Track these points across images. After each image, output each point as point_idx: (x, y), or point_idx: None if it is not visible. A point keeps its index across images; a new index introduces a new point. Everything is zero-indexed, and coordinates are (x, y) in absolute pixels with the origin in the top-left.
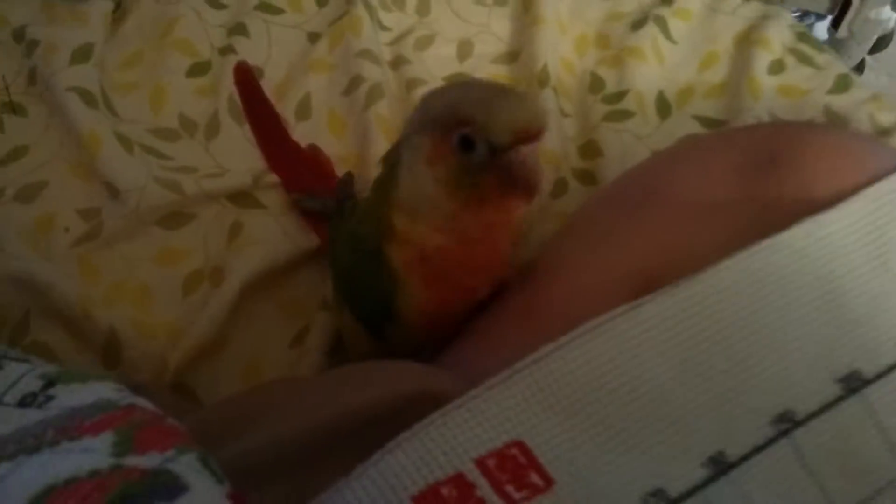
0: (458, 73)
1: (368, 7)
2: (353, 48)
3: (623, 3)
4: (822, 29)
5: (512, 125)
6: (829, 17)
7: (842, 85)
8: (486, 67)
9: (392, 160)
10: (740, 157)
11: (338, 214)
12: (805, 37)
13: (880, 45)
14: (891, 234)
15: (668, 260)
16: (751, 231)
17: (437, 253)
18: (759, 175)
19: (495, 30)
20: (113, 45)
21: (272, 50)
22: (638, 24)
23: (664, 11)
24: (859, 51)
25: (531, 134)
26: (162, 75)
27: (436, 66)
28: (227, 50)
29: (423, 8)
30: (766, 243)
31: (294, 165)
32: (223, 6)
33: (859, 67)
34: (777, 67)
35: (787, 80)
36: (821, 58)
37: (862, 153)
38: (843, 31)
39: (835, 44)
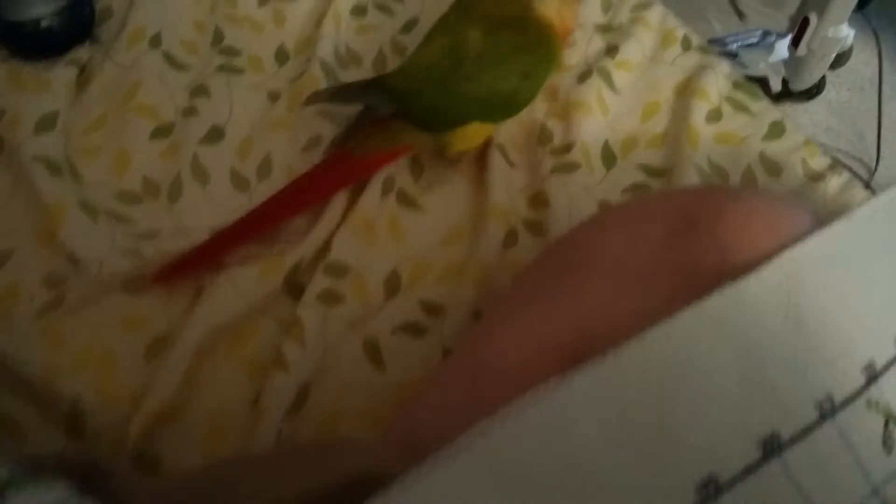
0: None
1: (325, 66)
2: (312, 107)
3: (569, 55)
4: (782, 48)
5: None
6: (789, 36)
7: (775, 132)
8: None
9: None
10: (663, 224)
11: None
12: (741, 85)
13: (840, 61)
14: (803, 297)
15: (598, 328)
16: (675, 298)
17: None
18: (680, 242)
19: None
20: (77, 110)
21: (234, 109)
22: (583, 76)
23: (608, 63)
24: (819, 67)
25: None
26: (126, 139)
27: None
28: (189, 111)
29: (380, 63)
30: (686, 313)
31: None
32: (185, 68)
33: (820, 83)
34: (714, 116)
35: (724, 128)
36: (755, 105)
37: (776, 217)
38: (802, 49)
39: (796, 61)
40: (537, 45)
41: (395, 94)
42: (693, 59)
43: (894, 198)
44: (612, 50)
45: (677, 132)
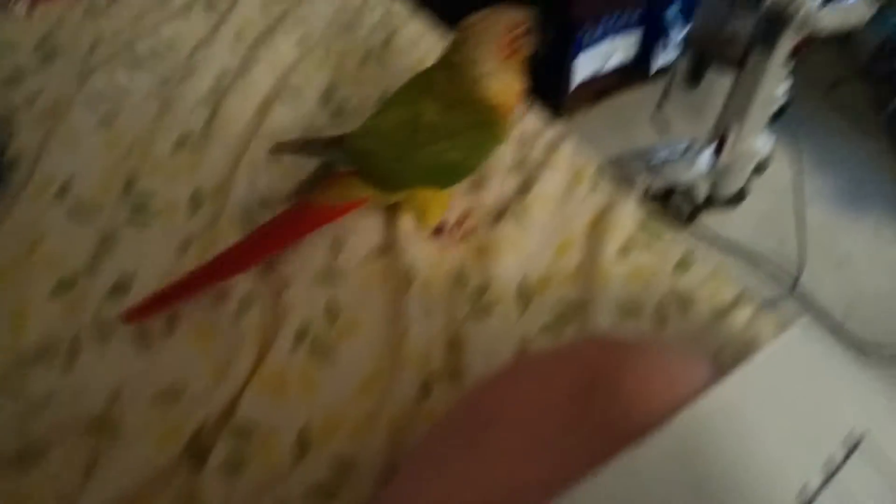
0: (328, 269)
1: (238, 213)
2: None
3: (486, 194)
4: (706, 158)
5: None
6: (712, 147)
7: (684, 265)
8: (357, 264)
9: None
10: (568, 383)
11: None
12: (650, 220)
13: (761, 168)
14: (701, 459)
15: (504, 494)
16: (578, 461)
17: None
18: (584, 402)
19: (365, 224)
20: None
21: (142, 259)
22: (498, 216)
23: (522, 202)
24: (742, 175)
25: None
26: (25, 296)
27: (309, 262)
28: (95, 263)
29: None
30: (584, 485)
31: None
32: (94, 216)
33: (744, 190)
34: (625, 251)
35: (635, 263)
36: (664, 239)
37: (675, 373)
38: (724, 159)
39: (719, 170)
40: (485, 123)
41: (354, 154)
42: (603, 195)
43: (788, 339)
44: (525, 188)
45: (590, 269)
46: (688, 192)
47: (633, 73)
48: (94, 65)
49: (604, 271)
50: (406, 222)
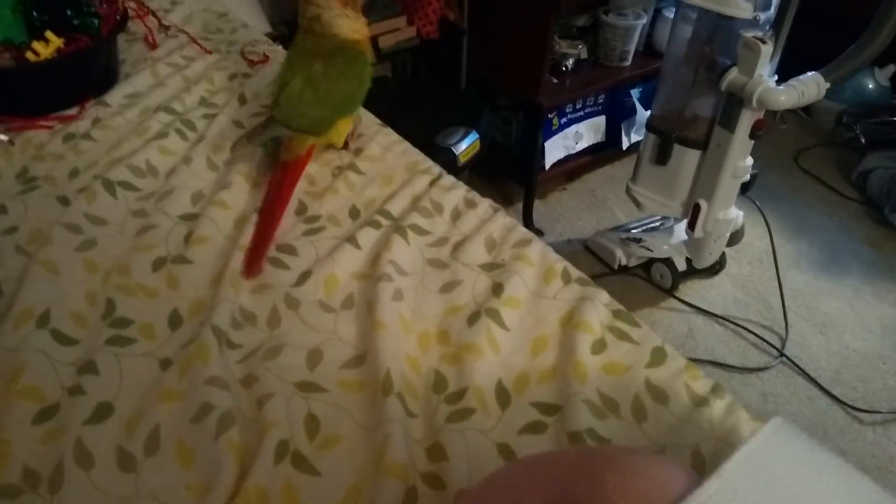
0: (307, 382)
1: (217, 331)
2: (202, 375)
3: (458, 295)
4: (681, 230)
5: None
6: (685, 221)
7: (658, 358)
8: (335, 374)
9: None
10: (540, 500)
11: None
12: (621, 314)
13: (735, 238)
14: None
15: None
16: None
17: None
18: None
19: (343, 335)
20: None
21: (123, 382)
22: (473, 318)
23: (495, 303)
24: (718, 246)
25: None
26: (7, 425)
27: (287, 375)
28: (75, 390)
29: (274, 320)
30: None
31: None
32: (74, 343)
33: (722, 260)
34: (599, 347)
35: (609, 358)
36: (636, 333)
37: (650, 485)
38: (699, 232)
39: (695, 242)
40: (354, 54)
41: (286, 121)
42: (574, 291)
43: (760, 441)
44: (497, 288)
45: (565, 366)
46: (667, 262)
47: (605, 150)
48: (74, 192)
49: (579, 368)
50: (382, 334)
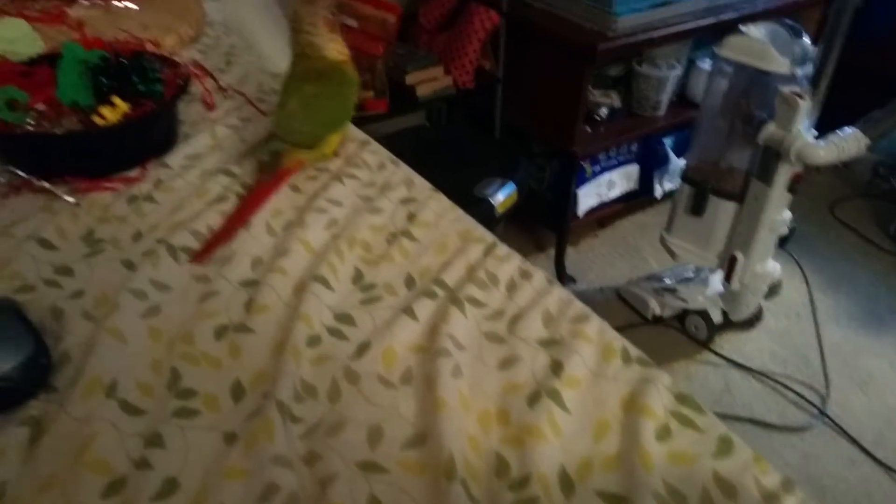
0: (369, 461)
1: (281, 406)
2: (267, 453)
3: (517, 373)
4: (716, 281)
5: None
6: (720, 271)
7: (724, 448)
8: (396, 454)
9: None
10: None
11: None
12: (684, 398)
13: (773, 291)
14: None
15: None
16: None
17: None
18: None
19: (403, 412)
20: (27, 470)
21: (189, 457)
22: (533, 398)
23: (556, 382)
24: (755, 299)
25: None
26: (76, 499)
27: (349, 453)
28: (142, 464)
29: (335, 394)
30: None
31: None
32: (141, 413)
33: (759, 312)
34: (663, 433)
35: (675, 447)
36: (701, 420)
37: None
38: (735, 285)
39: (731, 294)
40: (340, 75)
41: (284, 137)
42: (635, 372)
43: None
44: (557, 367)
45: (630, 454)
46: (702, 314)
47: (638, 198)
48: (138, 255)
49: (644, 457)
50: (443, 413)
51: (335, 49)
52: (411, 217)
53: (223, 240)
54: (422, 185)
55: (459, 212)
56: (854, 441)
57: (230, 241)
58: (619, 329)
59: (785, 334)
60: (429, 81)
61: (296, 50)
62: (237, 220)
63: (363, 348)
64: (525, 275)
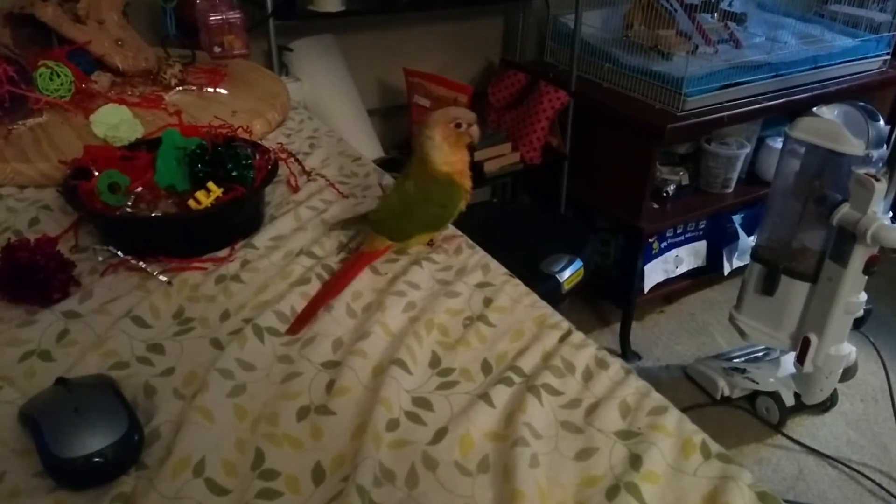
0: None
1: (361, 491)
2: None
3: (595, 465)
4: (788, 362)
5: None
6: (792, 353)
7: None
8: None
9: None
10: None
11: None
12: (766, 497)
13: (848, 374)
14: None
15: None
16: None
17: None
18: None
19: (479, 500)
20: None
21: None
22: (612, 492)
23: (634, 477)
24: (829, 383)
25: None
26: None
27: None
28: None
29: (412, 481)
30: None
31: None
32: (226, 492)
33: (833, 396)
34: None
35: None
36: None
37: None
38: (808, 367)
39: (805, 377)
40: (445, 184)
41: (375, 225)
42: (715, 468)
43: None
44: (635, 460)
45: None
46: (774, 395)
47: (706, 274)
48: (225, 335)
49: None
50: (520, 498)
51: (440, 158)
52: (487, 302)
53: (313, 311)
54: (497, 269)
55: (535, 297)
56: None
57: (321, 311)
58: (687, 409)
59: (861, 419)
60: (496, 158)
61: (416, 153)
62: (324, 294)
63: (440, 434)
64: (601, 363)
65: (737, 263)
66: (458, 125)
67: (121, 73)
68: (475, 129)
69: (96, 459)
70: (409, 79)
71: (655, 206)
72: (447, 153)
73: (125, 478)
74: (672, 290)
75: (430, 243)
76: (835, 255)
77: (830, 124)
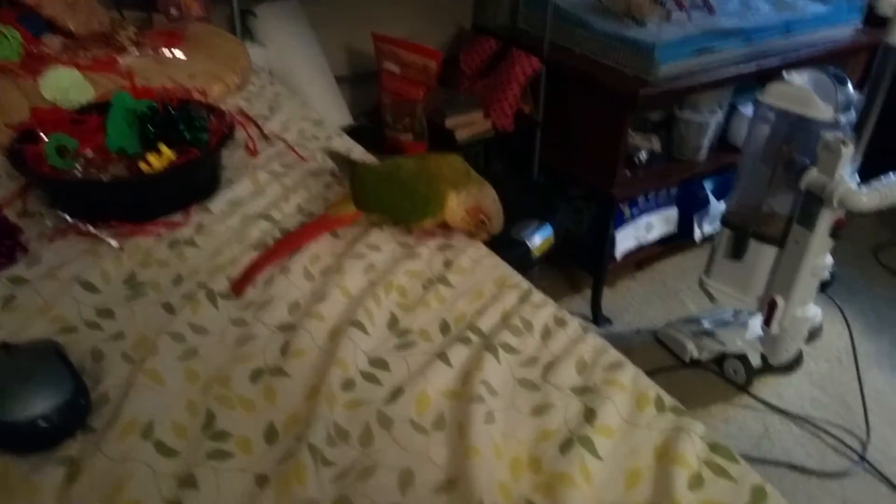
0: None
1: (313, 450)
2: (298, 496)
3: (550, 419)
4: (756, 325)
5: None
6: (760, 315)
7: (758, 497)
8: (427, 499)
9: None
10: None
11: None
12: (718, 448)
13: (814, 335)
14: None
15: None
16: None
17: None
18: None
19: (434, 457)
20: None
21: (220, 498)
22: (566, 446)
23: (588, 430)
24: (795, 343)
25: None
26: None
27: (379, 498)
28: None
29: (367, 439)
30: None
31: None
32: (175, 453)
33: (799, 357)
34: (696, 483)
35: (707, 496)
36: (735, 469)
37: None
38: (775, 329)
39: (771, 338)
40: (428, 199)
41: (355, 178)
42: (668, 420)
43: None
44: (590, 414)
45: (661, 503)
46: (741, 358)
47: (677, 241)
48: (178, 299)
49: None
50: (476, 461)
51: (453, 209)
52: (448, 263)
53: (259, 269)
54: (458, 235)
55: (496, 258)
56: (895, 487)
57: (266, 269)
58: (656, 372)
59: (825, 379)
60: (468, 125)
61: (449, 160)
62: (274, 252)
63: (396, 393)
64: (560, 322)
65: (707, 230)
66: (483, 222)
67: (73, 36)
68: (494, 228)
69: (41, 423)
70: (378, 45)
71: (627, 172)
72: (456, 213)
73: (71, 441)
74: (644, 257)
75: (410, 232)
76: (802, 218)
77: (800, 90)
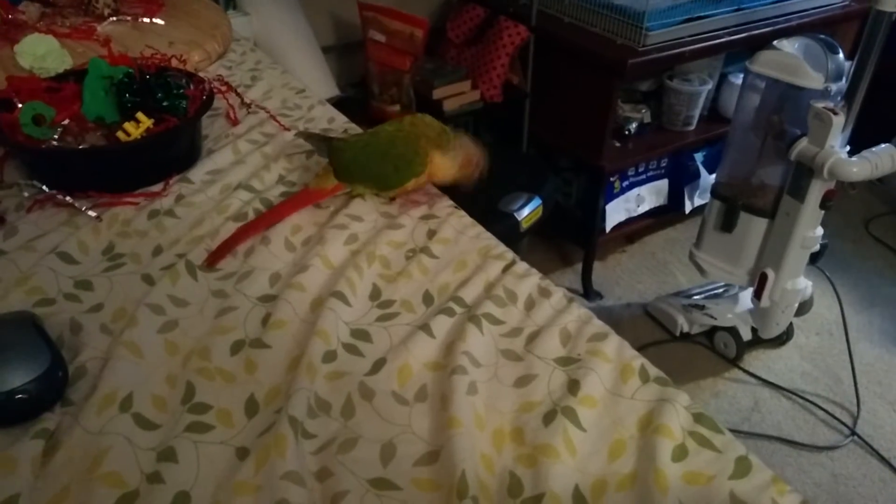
0: (381, 478)
1: (293, 422)
2: (279, 469)
3: (533, 391)
4: (746, 298)
5: None
6: (750, 289)
7: (742, 468)
8: (409, 471)
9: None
10: None
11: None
12: (702, 418)
13: (804, 308)
14: None
15: None
16: None
17: None
18: None
19: (416, 429)
20: (41, 483)
21: (200, 471)
22: (549, 417)
23: (571, 401)
24: (785, 316)
25: None
26: None
27: (361, 470)
28: (154, 478)
29: (348, 411)
30: None
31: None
32: (155, 426)
33: (789, 330)
34: (679, 454)
35: (691, 467)
36: (719, 440)
37: None
38: (765, 302)
39: (761, 311)
40: (415, 158)
41: (334, 152)
42: (653, 391)
43: None
44: (573, 385)
45: (645, 475)
46: (731, 331)
47: (667, 213)
48: (157, 270)
49: (659, 478)
50: (457, 431)
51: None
52: (431, 234)
53: (236, 242)
54: (443, 201)
55: (479, 229)
56: (885, 460)
57: (243, 243)
58: (647, 346)
59: (816, 352)
60: (456, 96)
61: (425, 119)
62: (252, 226)
63: (378, 365)
64: (544, 292)
65: (698, 202)
66: (476, 165)
67: (51, 4)
68: (484, 167)
69: (18, 396)
70: (363, 13)
71: (617, 144)
72: (448, 170)
73: (49, 414)
74: (634, 230)
75: (392, 199)
76: (792, 189)
77: (790, 58)
